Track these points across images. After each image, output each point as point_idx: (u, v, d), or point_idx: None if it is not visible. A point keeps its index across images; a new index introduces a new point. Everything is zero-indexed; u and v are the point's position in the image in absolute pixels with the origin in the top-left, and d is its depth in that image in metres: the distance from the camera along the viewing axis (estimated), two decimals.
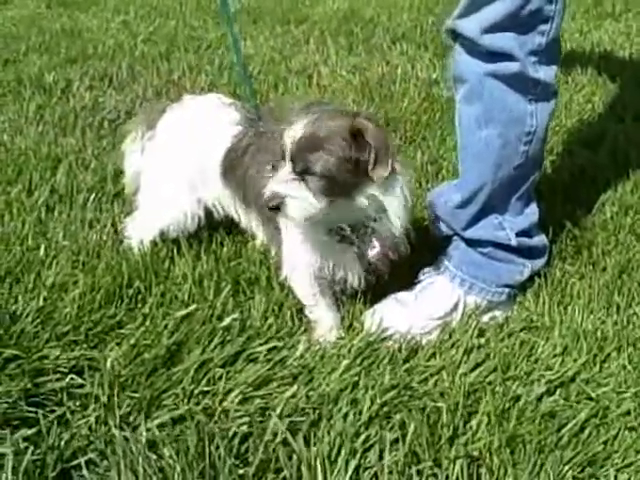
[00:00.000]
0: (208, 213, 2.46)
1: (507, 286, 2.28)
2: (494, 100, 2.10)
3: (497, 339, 2.14)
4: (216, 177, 2.37)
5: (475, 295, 2.27)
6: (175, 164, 2.41)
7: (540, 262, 2.34)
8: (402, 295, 2.28)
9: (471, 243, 2.27)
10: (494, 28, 2.01)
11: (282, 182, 1.90)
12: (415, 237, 2.18)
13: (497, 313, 2.31)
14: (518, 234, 2.24)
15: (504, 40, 2.03)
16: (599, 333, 2.12)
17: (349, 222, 2.04)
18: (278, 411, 1.80)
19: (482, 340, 2.15)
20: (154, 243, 2.47)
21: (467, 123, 2.19)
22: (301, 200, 1.89)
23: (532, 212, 2.29)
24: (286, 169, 1.91)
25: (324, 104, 2.17)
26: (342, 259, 2.12)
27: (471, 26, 2.05)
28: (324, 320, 2.20)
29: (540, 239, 2.33)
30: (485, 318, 2.28)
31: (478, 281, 2.26)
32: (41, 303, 2.18)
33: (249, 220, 2.40)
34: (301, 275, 2.17)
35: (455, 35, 2.13)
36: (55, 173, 2.99)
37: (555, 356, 2.05)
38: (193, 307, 2.18)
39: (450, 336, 2.17)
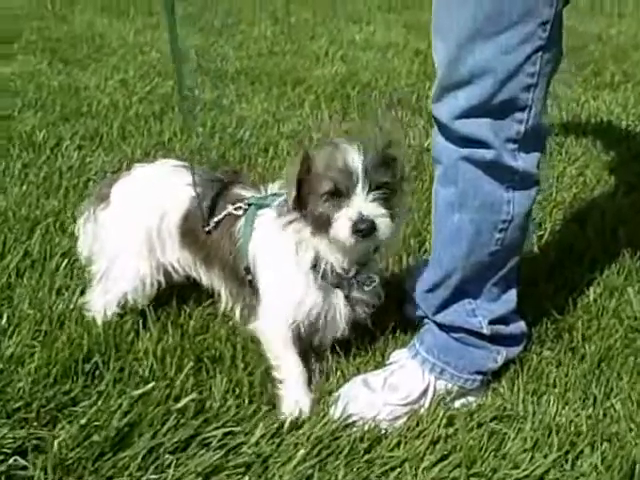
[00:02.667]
0: (168, 277, 2.41)
1: (480, 373, 2.19)
2: (468, 185, 2.03)
3: (466, 429, 2.04)
4: (175, 240, 2.33)
5: (446, 381, 2.18)
6: (131, 231, 2.36)
7: (516, 349, 2.25)
8: (370, 378, 2.19)
9: (442, 328, 2.18)
10: (465, 115, 1.94)
11: (366, 204, 1.89)
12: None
13: (470, 399, 2.21)
14: (493, 321, 2.15)
15: (477, 127, 1.95)
16: (573, 427, 2.02)
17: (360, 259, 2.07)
18: None
19: (450, 430, 2.04)
20: (119, 315, 2.40)
21: (441, 205, 2.12)
22: (388, 219, 1.91)
23: (509, 299, 2.19)
24: (362, 191, 1.89)
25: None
26: (330, 304, 2.10)
27: (442, 111, 1.99)
28: (292, 378, 2.13)
29: (517, 326, 2.24)
30: (457, 404, 2.19)
31: (449, 367, 2.17)
32: None
33: (211, 280, 2.35)
34: (280, 323, 2.12)
35: (432, 115, 2.07)
36: (31, 236, 2.94)
37: (525, 451, 1.95)
38: (150, 386, 2.09)
39: (417, 424, 2.07)
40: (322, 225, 1.96)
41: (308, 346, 2.22)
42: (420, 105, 4.66)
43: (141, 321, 2.39)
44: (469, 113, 1.93)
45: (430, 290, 2.17)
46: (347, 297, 2.12)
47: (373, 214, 1.88)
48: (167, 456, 1.87)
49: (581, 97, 4.96)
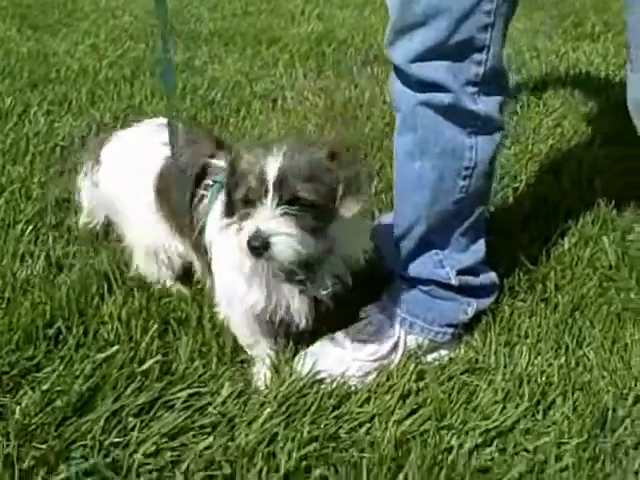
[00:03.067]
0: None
1: (450, 325, 2.15)
2: (428, 131, 1.96)
3: (436, 382, 2.00)
4: (150, 204, 2.26)
5: (416, 335, 2.14)
6: (125, 192, 2.33)
7: (487, 301, 2.20)
8: (338, 335, 2.14)
9: (410, 280, 2.13)
10: (421, 57, 1.86)
11: (267, 219, 1.71)
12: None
13: (442, 352, 2.17)
14: (461, 272, 2.10)
15: (434, 70, 1.88)
16: (544, 377, 1.99)
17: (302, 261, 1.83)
18: (184, 466, 1.66)
19: (421, 384, 2.01)
20: (86, 279, 2.34)
21: (401, 154, 2.05)
22: (291, 238, 1.71)
23: (478, 249, 2.14)
24: (269, 203, 1.72)
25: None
26: (287, 299, 1.96)
27: (397, 55, 1.91)
28: (263, 359, 2.07)
29: (487, 277, 2.19)
30: (429, 358, 2.15)
31: (419, 320, 2.13)
32: None
33: (185, 248, 2.28)
34: (239, 314, 2.03)
35: (389, 61, 1.99)
36: None
37: (496, 402, 1.92)
38: (114, 349, 2.05)
39: (387, 379, 2.03)
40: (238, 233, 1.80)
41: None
42: None
43: (106, 285, 2.34)
44: (425, 56, 1.86)
45: (396, 242, 2.11)
46: (306, 293, 1.95)
47: (271, 231, 1.69)
48: (130, 419, 1.84)
49: (561, 48, 4.86)
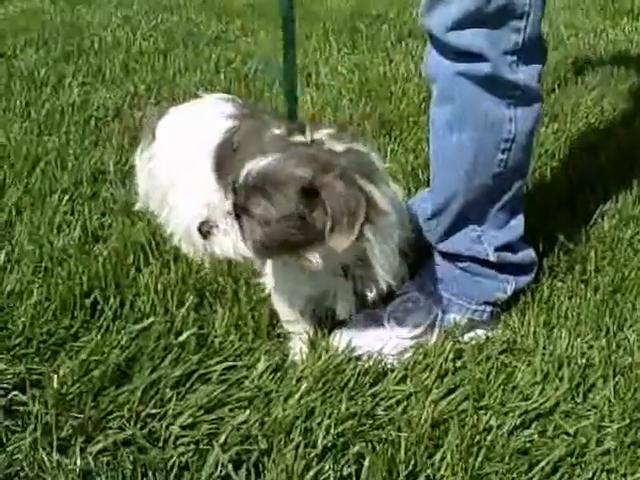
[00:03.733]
0: None
1: (488, 303, 2.12)
2: (466, 103, 1.90)
3: (474, 362, 1.98)
4: (209, 176, 2.21)
5: (454, 313, 2.12)
6: (175, 166, 2.31)
7: (526, 279, 2.17)
8: (376, 311, 2.12)
9: (448, 257, 2.11)
10: (459, 25, 1.80)
11: (220, 210, 1.73)
12: None
13: (479, 332, 2.14)
14: (499, 248, 2.07)
15: (472, 38, 1.82)
16: (584, 359, 1.95)
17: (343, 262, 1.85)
18: (222, 439, 1.66)
19: (458, 363, 1.99)
20: (122, 250, 2.34)
21: (438, 126, 2.00)
22: (228, 238, 1.72)
23: (517, 225, 2.10)
24: (230, 199, 1.73)
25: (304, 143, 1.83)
26: (334, 291, 1.96)
27: (434, 23, 1.85)
28: (300, 335, 2.06)
29: (526, 254, 2.15)
30: (466, 337, 2.12)
31: (456, 298, 2.10)
32: None
33: None
34: (284, 297, 2.02)
35: (424, 29, 1.93)
36: (32, 173, 2.88)
37: (535, 384, 1.89)
38: (150, 320, 2.05)
39: (424, 357, 2.01)
40: None
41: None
42: None
43: (142, 256, 2.34)
44: (462, 23, 1.80)
45: (432, 217, 2.08)
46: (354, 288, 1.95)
47: (213, 222, 1.73)
48: (167, 391, 1.83)
49: (599, 26, 4.78)
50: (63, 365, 1.93)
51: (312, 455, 1.65)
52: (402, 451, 1.65)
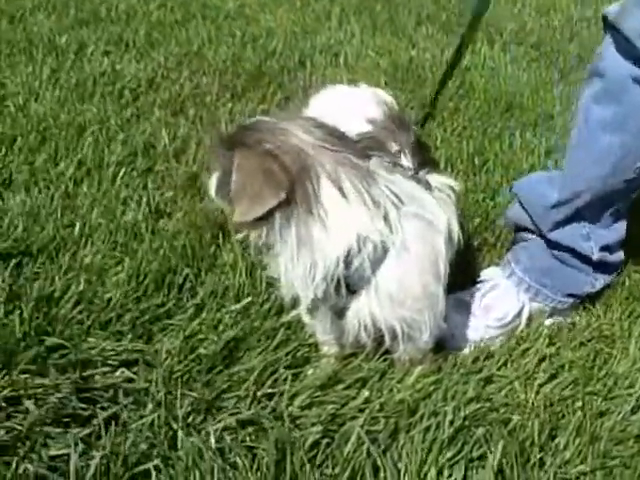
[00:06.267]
0: None
1: (574, 296, 2.18)
2: (632, 109, 1.89)
3: (568, 348, 2.03)
4: None
5: (540, 302, 2.17)
6: None
7: (611, 277, 2.24)
8: (463, 296, 2.16)
9: (550, 244, 2.15)
10: None
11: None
12: None
13: (558, 318, 2.20)
14: (603, 248, 2.13)
15: None
16: None
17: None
18: (361, 421, 1.66)
19: (552, 349, 2.04)
20: (200, 227, 2.31)
21: (592, 122, 1.99)
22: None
23: (621, 227, 2.15)
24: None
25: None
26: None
27: (628, 25, 1.81)
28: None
29: (619, 255, 2.21)
30: (547, 322, 2.18)
31: (545, 288, 2.16)
32: (81, 287, 2.01)
33: None
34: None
35: (609, 25, 1.89)
36: (79, 143, 2.80)
37: (635, 371, 1.95)
38: (247, 300, 2.03)
39: (518, 343, 2.05)
40: None
41: None
42: (450, 22, 4.53)
43: (220, 234, 2.31)
44: None
45: (554, 206, 2.10)
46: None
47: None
48: (282, 370, 1.83)
49: None
50: (160, 343, 1.90)
51: (443, 437, 1.67)
52: (534, 434, 1.68)
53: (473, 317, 2.11)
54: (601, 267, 2.16)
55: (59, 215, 2.34)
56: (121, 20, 4.17)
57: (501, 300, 2.15)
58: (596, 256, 2.11)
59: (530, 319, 2.16)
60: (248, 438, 1.68)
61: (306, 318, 1.83)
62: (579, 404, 1.83)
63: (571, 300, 2.18)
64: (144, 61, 3.65)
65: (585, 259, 2.13)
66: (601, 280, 2.18)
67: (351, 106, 1.96)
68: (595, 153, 2.01)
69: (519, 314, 2.15)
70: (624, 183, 2.02)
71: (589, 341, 2.09)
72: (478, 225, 2.46)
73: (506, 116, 3.34)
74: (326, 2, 4.71)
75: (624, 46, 1.86)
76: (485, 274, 2.23)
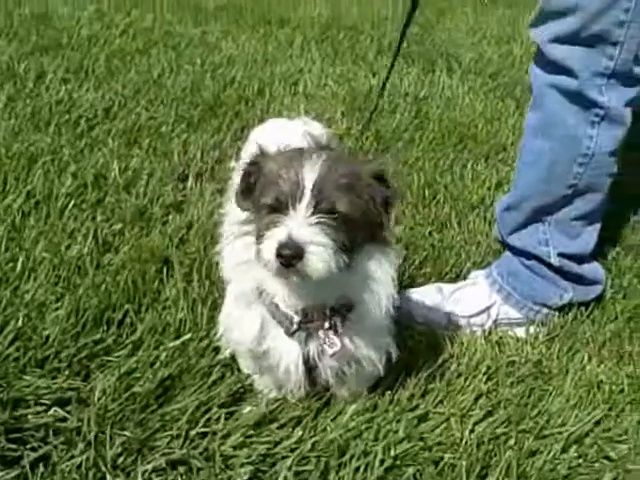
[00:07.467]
0: None
1: (545, 305, 2.26)
2: (552, 113, 2.09)
3: (505, 385, 2.05)
4: None
5: (511, 307, 2.27)
6: None
7: (587, 293, 2.31)
8: (444, 285, 2.31)
9: (514, 251, 2.26)
10: (558, 39, 2.00)
11: (301, 225, 1.48)
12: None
13: (519, 331, 2.30)
14: (565, 256, 2.21)
15: (567, 53, 2.00)
16: (612, 385, 2.04)
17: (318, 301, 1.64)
18: (289, 463, 1.67)
19: (490, 384, 2.05)
20: (145, 261, 2.31)
21: (527, 128, 2.19)
22: (326, 251, 1.48)
23: (588, 239, 2.23)
24: (303, 210, 1.49)
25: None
26: (276, 351, 1.73)
27: (539, 33, 2.06)
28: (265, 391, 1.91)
29: (592, 269, 2.29)
30: (518, 331, 2.28)
31: (515, 293, 2.26)
32: (19, 323, 2.00)
33: None
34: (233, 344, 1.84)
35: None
36: (30, 174, 2.80)
37: (568, 409, 1.97)
38: (187, 337, 2.03)
39: (458, 377, 2.06)
40: (259, 243, 1.55)
41: None
42: (410, 52, 4.58)
43: (165, 269, 2.31)
44: (563, 39, 1.99)
45: (506, 209, 2.25)
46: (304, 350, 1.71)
47: (305, 239, 1.47)
48: (216, 409, 1.82)
49: None
50: (98, 381, 1.89)
51: (372, 478, 1.67)
52: (462, 473, 1.69)
53: (442, 299, 2.25)
54: (568, 276, 2.24)
55: (3, 249, 2.33)
56: (82, 47, 4.18)
57: (472, 295, 2.27)
58: (555, 261, 2.19)
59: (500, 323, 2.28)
60: (178, 479, 1.67)
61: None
62: (511, 442, 1.84)
63: (544, 310, 2.27)
64: (102, 89, 3.66)
65: (548, 265, 2.21)
66: (570, 293, 2.26)
67: (279, 139, 1.93)
68: (530, 157, 2.17)
69: (487, 310, 2.25)
70: (568, 188, 2.12)
71: (527, 377, 2.10)
72: (423, 259, 2.48)
73: (459, 147, 3.37)
74: (289, 30, 4.75)
75: (540, 56, 2.09)
76: (471, 274, 2.38)
